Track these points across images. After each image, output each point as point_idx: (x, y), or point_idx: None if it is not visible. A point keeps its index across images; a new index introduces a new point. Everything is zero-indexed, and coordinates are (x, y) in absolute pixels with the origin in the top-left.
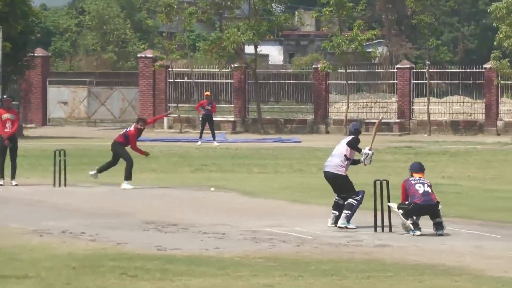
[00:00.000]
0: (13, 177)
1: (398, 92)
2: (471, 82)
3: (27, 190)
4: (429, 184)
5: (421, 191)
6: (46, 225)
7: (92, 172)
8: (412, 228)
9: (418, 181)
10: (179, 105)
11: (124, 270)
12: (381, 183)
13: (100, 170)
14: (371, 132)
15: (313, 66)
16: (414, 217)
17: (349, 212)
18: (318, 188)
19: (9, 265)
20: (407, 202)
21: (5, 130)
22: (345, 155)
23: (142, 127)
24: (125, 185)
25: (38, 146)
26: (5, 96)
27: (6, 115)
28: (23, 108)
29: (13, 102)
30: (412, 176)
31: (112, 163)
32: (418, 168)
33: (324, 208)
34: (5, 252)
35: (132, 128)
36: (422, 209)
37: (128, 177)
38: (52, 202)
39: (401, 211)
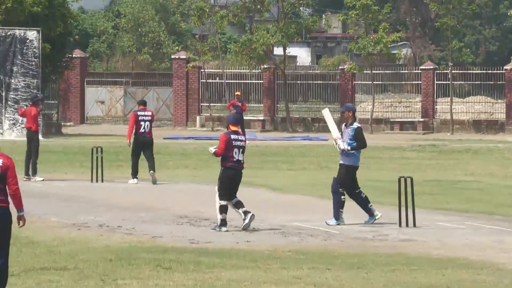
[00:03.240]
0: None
1: (422, 92)
2: (492, 82)
3: (66, 185)
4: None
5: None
6: (84, 219)
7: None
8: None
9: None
10: (211, 104)
11: (158, 262)
12: (405, 180)
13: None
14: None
15: (340, 67)
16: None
17: None
18: None
19: (49, 257)
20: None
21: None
22: None
23: None
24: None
25: (76, 143)
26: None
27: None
28: (62, 107)
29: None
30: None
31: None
32: None
33: (351, 204)
34: (45, 244)
35: None
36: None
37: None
38: (90, 197)
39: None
